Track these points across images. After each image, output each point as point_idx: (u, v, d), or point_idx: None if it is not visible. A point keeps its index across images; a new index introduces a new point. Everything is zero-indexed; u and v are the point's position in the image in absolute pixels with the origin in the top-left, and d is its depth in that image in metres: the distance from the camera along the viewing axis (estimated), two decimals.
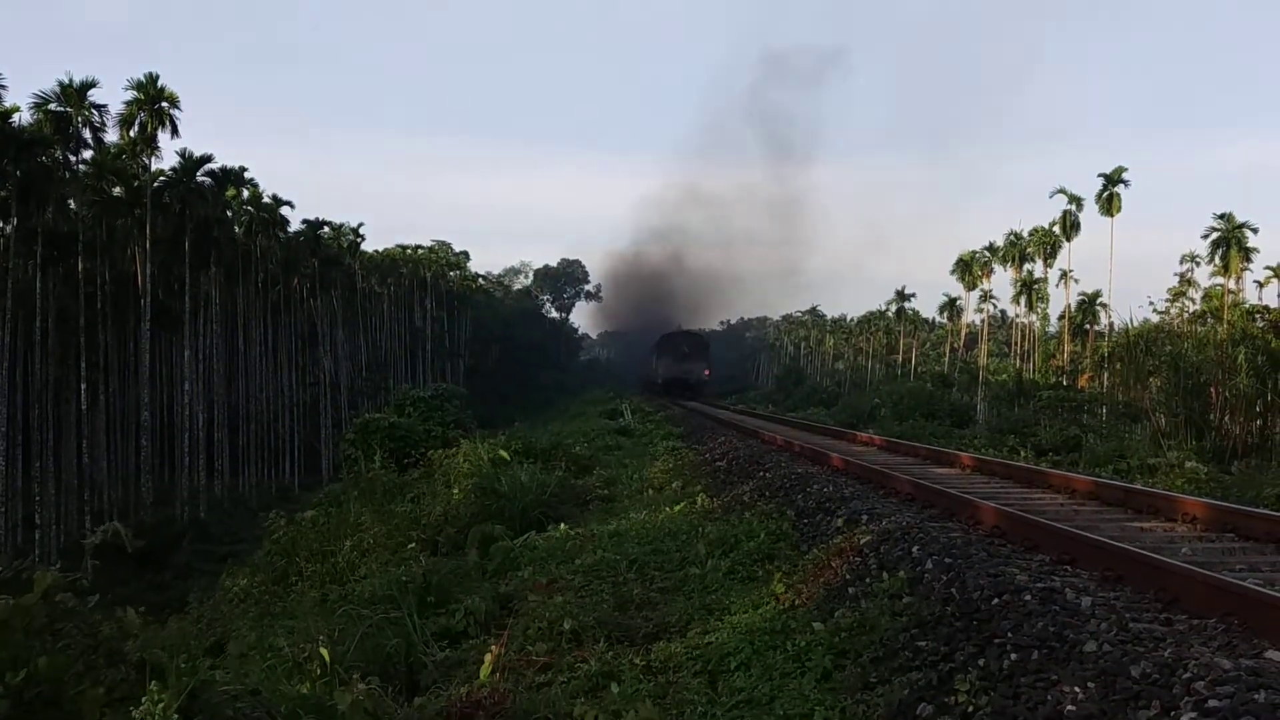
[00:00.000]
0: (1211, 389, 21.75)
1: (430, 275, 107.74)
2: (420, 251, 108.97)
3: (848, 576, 8.03)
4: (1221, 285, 68.46)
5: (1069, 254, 75.90)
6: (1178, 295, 74.89)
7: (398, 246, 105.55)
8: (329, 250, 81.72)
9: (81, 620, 4.91)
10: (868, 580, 7.68)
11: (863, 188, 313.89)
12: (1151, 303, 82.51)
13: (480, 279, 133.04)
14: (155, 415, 54.65)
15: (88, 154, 51.73)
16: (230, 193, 64.58)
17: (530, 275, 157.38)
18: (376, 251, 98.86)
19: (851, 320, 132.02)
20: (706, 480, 17.01)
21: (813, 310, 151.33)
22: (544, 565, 11.43)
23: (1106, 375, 43.46)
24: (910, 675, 5.80)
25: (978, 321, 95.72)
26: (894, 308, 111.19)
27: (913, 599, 6.84)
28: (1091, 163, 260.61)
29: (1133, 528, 8.90)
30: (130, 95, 52.30)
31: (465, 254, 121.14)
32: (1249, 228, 66.00)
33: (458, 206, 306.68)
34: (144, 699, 4.41)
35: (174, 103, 53.06)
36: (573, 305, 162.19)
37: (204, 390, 59.32)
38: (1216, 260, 67.39)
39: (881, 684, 5.91)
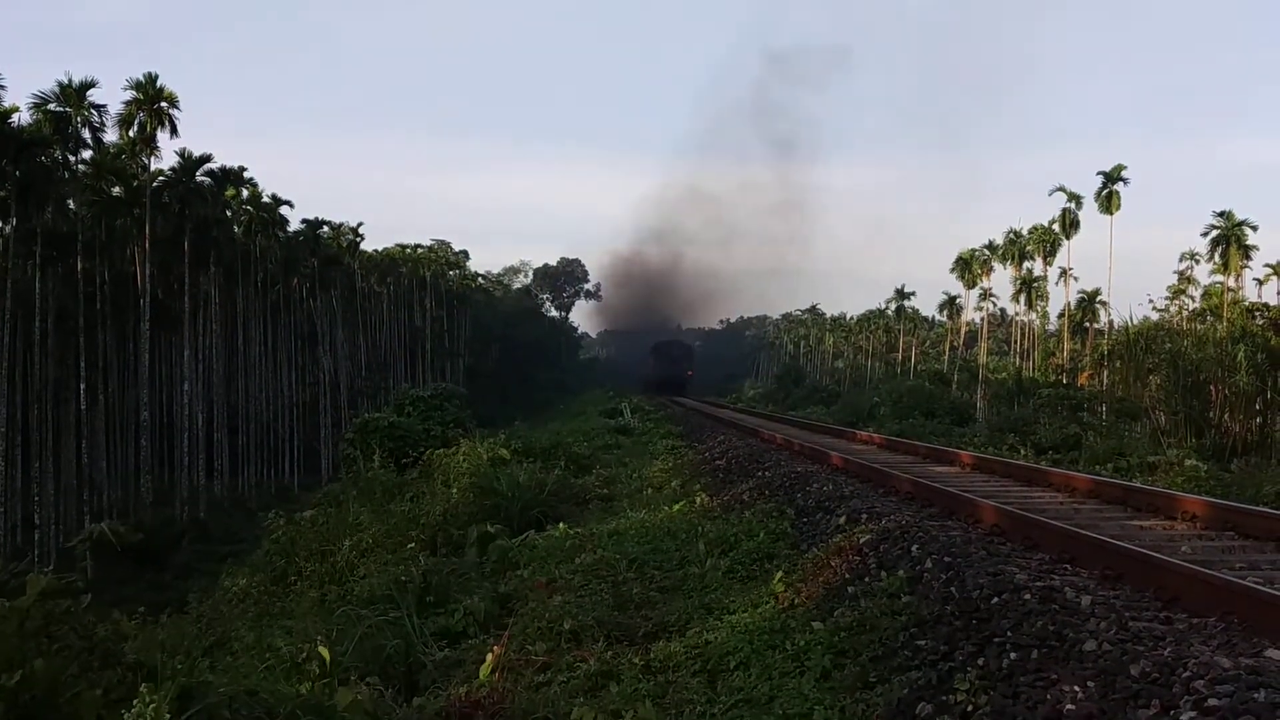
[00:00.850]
0: (1211, 387, 21.76)
1: (429, 274, 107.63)
2: (419, 251, 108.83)
3: (847, 575, 8.02)
4: (1221, 283, 68.48)
5: (1068, 252, 75.85)
6: (1177, 293, 74.94)
7: (397, 246, 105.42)
8: (328, 250, 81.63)
9: (77, 622, 4.90)
10: (867, 579, 7.67)
11: (862, 187, 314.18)
12: (1151, 301, 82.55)
13: (480, 278, 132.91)
14: (154, 415, 54.62)
15: (87, 154, 51.73)
16: (230, 192, 64.54)
17: (530, 274, 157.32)
18: (376, 251, 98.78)
19: (851, 319, 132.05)
20: (706, 479, 17.00)
21: (812, 309, 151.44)
22: (543, 565, 11.42)
23: (1106, 373, 43.52)
24: (910, 674, 5.79)
25: (977, 320, 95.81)
26: (894, 306, 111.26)
27: (912, 598, 6.83)
28: (1091, 160, 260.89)
29: (1132, 526, 8.89)
30: (129, 95, 52.35)
31: (464, 253, 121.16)
32: (1249, 225, 66.00)
33: (457, 205, 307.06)
34: (135, 701, 4.39)
35: (173, 102, 53.03)
36: (572, 304, 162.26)
37: (203, 390, 59.28)
38: (1216, 258, 67.35)
39: (881, 683, 5.90)
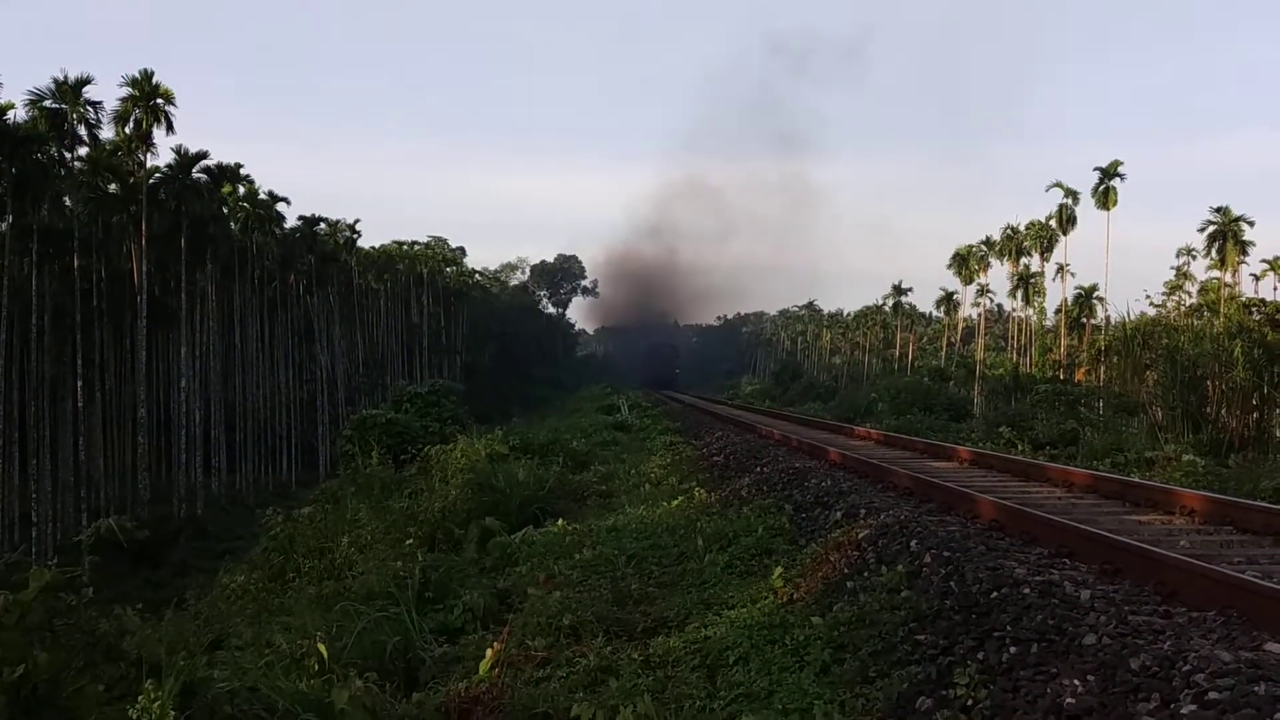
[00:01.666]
0: (1208, 382, 21.76)
1: (426, 271, 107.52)
2: (416, 247, 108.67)
3: (846, 571, 8.03)
4: (1218, 278, 68.55)
5: (1065, 248, 75.85)
6: (1174, 288, 75.01)
7: (394, 242, 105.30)
8: (325, 247, 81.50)
9: (79, 617, 4.89)
10: (866, 574, 7.68)
11: (862, 185, 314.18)
12: (1148, 296, 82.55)
13: (477, 275, 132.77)
14: (152, 412, 54.56)
15: (83, 151, 51.56)
16: (226, 189, 64.42)
17: (527, 271, 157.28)
18: (373, 248, 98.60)
19: (848, 315, 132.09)
20: (704, 475, 17.02)
21: (810, 305, 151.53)
22: (542, 561, 11.43)
23: (1103, 369, 43.57)
24: (909, 669, 5.80)
25: (974, 316, 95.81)
26: (891, 302, 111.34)
27: (911, 593, 6.84)
28: (1090, 157, 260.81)
29: (1131, 521, 8.90)
30: (125, 92, 52.23)
31: (461, 250, 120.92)
32: (1245, 221, 66.06)
33: (454, 202, 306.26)
34: (139, 696, 4.39)
35: (169, 99, 52.92)
36: (569, 301, 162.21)
37: (200, 387, 59.20)
38: (1213, 254, 67.38)
39: (880, 678, 5.90)
